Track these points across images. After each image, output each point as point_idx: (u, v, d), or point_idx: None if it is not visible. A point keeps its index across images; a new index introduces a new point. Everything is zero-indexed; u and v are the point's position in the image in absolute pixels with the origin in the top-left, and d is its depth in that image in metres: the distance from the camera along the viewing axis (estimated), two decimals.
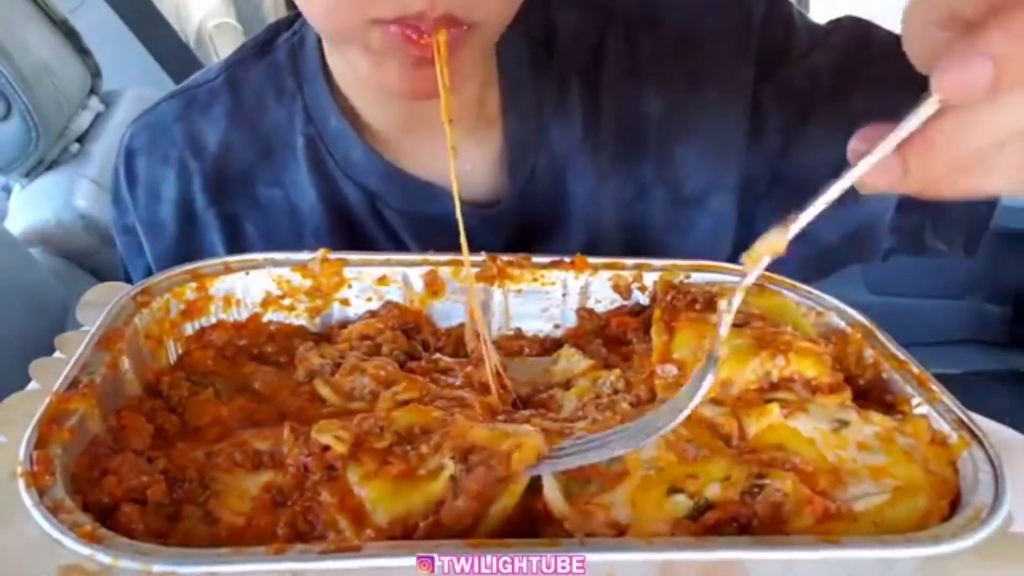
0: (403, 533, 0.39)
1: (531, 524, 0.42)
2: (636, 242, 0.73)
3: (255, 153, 0.73)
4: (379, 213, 0.72)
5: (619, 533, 0.40)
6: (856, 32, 0.72)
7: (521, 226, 0.73)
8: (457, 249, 0.55)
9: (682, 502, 0.41)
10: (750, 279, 0.40)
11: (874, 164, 0.35)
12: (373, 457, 0.43)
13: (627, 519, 0.41)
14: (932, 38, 0.33)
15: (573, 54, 0.72)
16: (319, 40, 0.71)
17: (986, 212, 0.70)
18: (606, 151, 0.72)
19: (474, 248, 0.56)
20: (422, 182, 0.71)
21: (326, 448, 0.43)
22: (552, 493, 0.41)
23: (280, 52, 0.74)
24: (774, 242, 0.39)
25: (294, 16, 0.76)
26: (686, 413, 0.41)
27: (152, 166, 0.74)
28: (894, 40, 0.73)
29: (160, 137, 0.74)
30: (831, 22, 0.74)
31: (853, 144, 0.38)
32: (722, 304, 0.42)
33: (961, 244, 0.71)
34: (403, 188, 0.71)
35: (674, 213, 0.73)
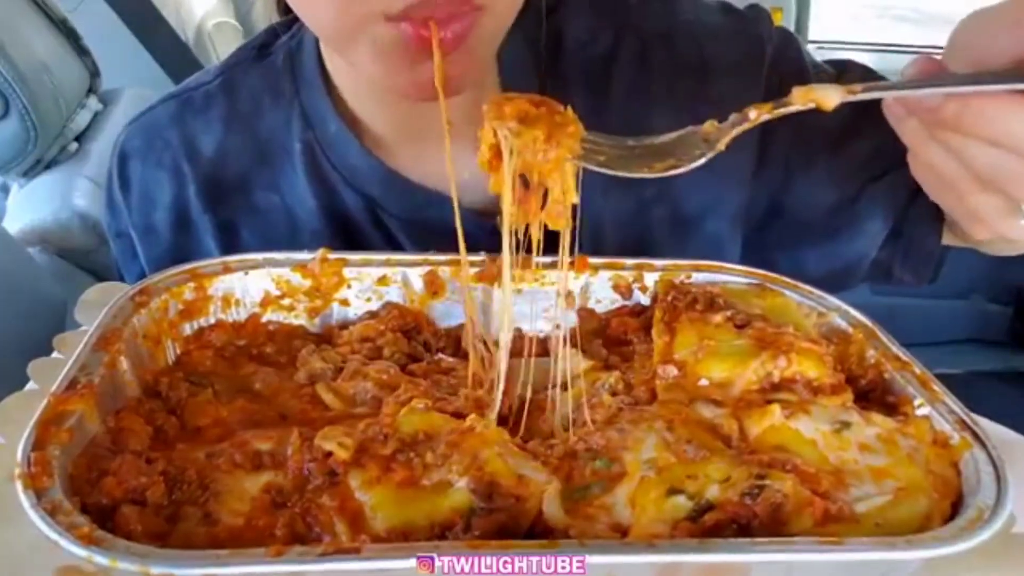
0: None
1: (531, 525, 0.41)
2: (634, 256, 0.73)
3: (252, 158, 0.72)
4: (378, 219, 0.72)
5: (622, 535, 0.40)
6: (862, 80, 0.72)
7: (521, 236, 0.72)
8: (457, 253, 0.55)
9: (682, 503, 0.41)
10: (787, 109, 0.44)
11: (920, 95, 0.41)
12: (377, 463, 0.43)
13: (628, 520, 0.41)
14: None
15: (581, 62, 0.71)
16: (317, 44, 0.71)
17: (942, 249, 0.72)
18: None
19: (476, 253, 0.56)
20: (422, 188, 0.71)
21: (329, 454, 0.43)
22: (551, 508, 0.41)
23: (278, 56, 0.73)
24: (827, 94, 0.43)
25: (292, 20, 0.75)
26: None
27: (146, 171, 0.74)
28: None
29: (155, 141, 0.74)
30: (833, 64, 0.74)
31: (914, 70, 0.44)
32: (751, 112, 0.45)
33: (927, 275, 0.74)
34: (403, 194, 0.71)
35: (672, 232, 0.73)
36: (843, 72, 0.73)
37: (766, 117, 0.45)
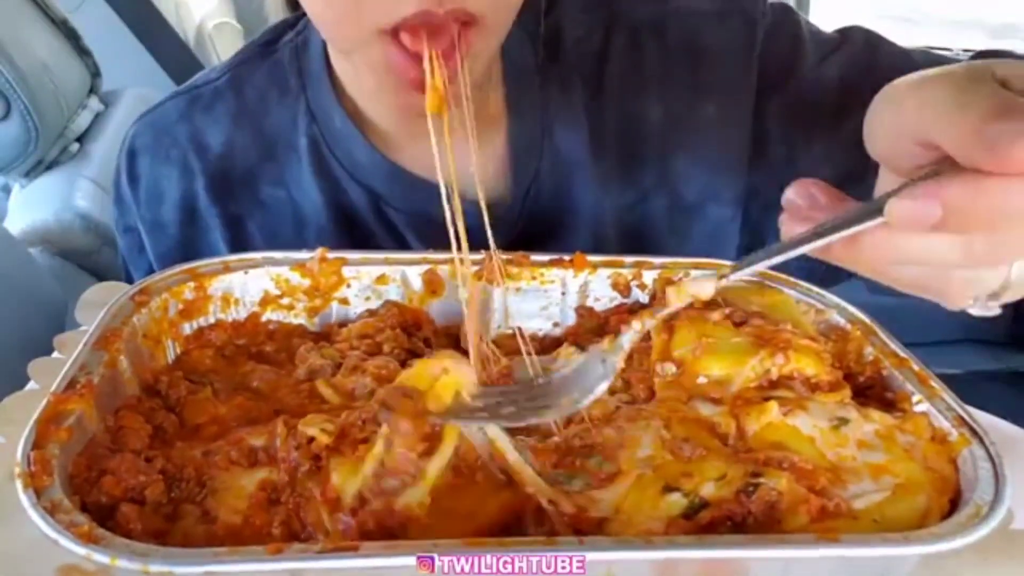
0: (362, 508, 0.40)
1: (519, 523, 0.42)
2: (636, 247, 0.73)
3: (258, 153, 0.73)
4: (383, 214, 0.72)
5: (615, 532, 0.40)
6: (864, 46, 0.71)
7: (524, 228, 0.72)
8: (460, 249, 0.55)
9: (677, 500, 0.41)
10: (667, 311, 0.44)
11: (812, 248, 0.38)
12: (353, 448, 0.43)
13: (623, 516, 0.41)
14: (905, 150, 0.37)
15: (578, 57, 0.72)
16: (323, 41, 0.71)
17: None
18: (609, 156, 0.72)
19: (476, 249, 0.56)
20: (426, 183, 0.71)
21: (312, 440, 0.43)
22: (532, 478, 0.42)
23: (284, 52, 0.74)
24: (702, 289, 0.42)
25: (297, 17, 0.76)
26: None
27: (155, 166, 0.74)
28: (901, 56, 0.72)
29: (163, 136, 0.74)
30: (839, 31, 0.74)
31: (789, 194, 0.40)
32: (635, 323, 0.44)
33: None
34: (407, 189, 0.71)
35: (673, 219, 0.73)
36: (844, 41, 0.72)
37: (650, 322, 0.44)
